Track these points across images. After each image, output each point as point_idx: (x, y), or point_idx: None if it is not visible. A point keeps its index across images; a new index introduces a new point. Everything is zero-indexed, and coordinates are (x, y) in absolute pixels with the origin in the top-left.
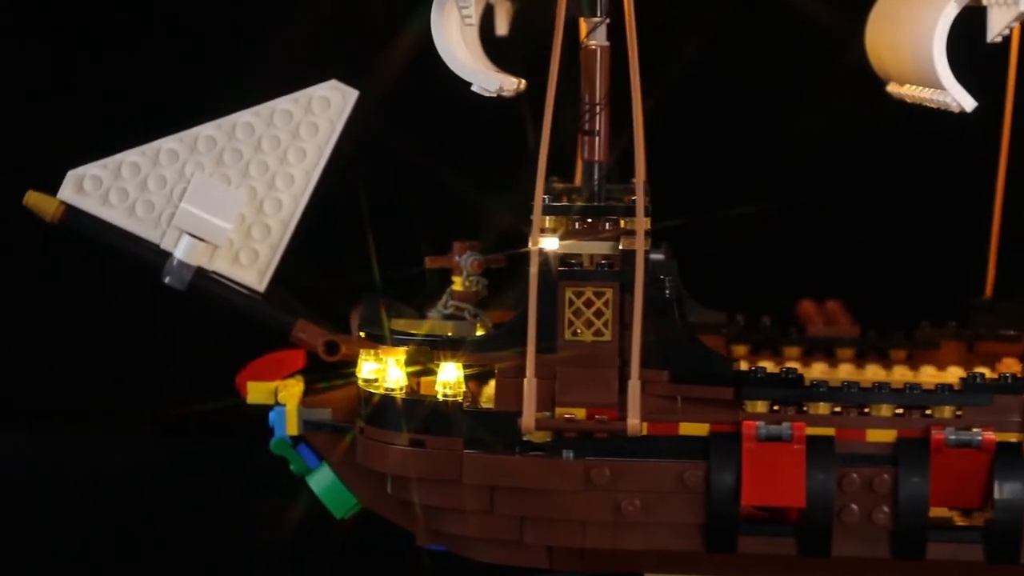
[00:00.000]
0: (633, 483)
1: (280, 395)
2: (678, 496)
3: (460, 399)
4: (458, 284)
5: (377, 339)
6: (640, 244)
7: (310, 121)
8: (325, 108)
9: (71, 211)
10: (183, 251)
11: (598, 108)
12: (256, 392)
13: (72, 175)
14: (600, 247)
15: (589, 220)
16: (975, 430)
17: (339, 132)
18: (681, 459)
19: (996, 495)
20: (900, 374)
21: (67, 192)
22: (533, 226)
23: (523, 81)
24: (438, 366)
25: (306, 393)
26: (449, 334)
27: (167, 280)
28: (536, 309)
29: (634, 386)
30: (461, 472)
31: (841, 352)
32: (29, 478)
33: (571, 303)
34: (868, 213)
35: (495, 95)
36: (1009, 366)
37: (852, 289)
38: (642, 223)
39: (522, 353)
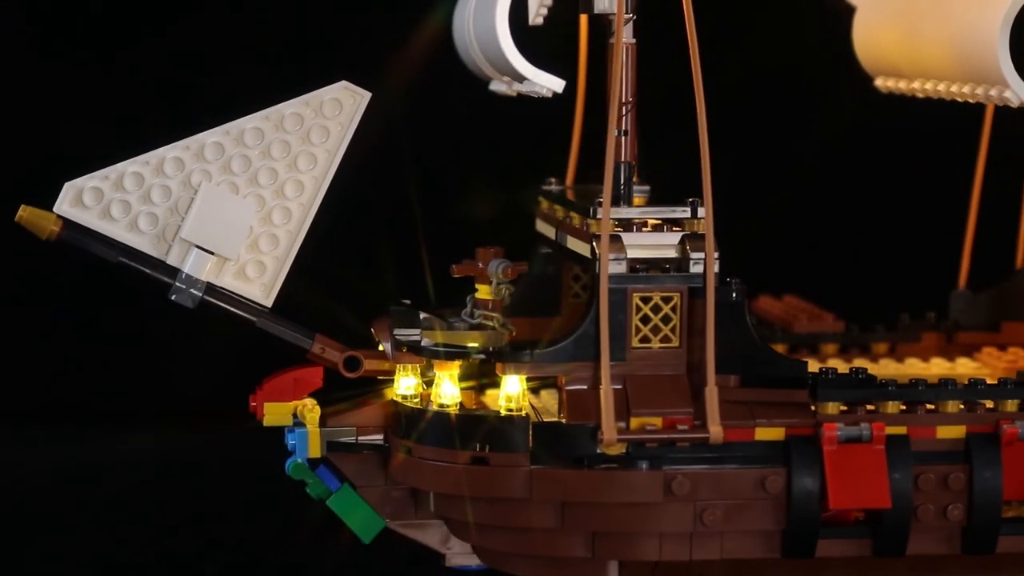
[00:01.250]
0: (713, 492)
1: (300, 416)
2: (759, 503)
3: (524, 413)
4: (484, 292)
5: (430, 353)
6: (710, 246)
7: (321, 125)
8: (336, 111)
9: (69, 226)
10: (192, 266)
11: (628, 107)
12: (274, 414)
13: (70, 187)
14: (668, 251)
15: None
16: None
17: (351, 136)
18: (761, 465)
19: None
20: (885, 366)
21: (65, 206)
22: (602, 232)
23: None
24: (484, 380)
25: (326, 413)
26: (475, 345)
27: (174, 298)
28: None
29: (711, 392)
30: (531, 489)
31: (825, 347)
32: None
33: (638, 309)
34: (840, 207)
35: (548, 96)
36: (988, 355)
37: (827, 282)
38: (710, 224)
39: (590, 364)
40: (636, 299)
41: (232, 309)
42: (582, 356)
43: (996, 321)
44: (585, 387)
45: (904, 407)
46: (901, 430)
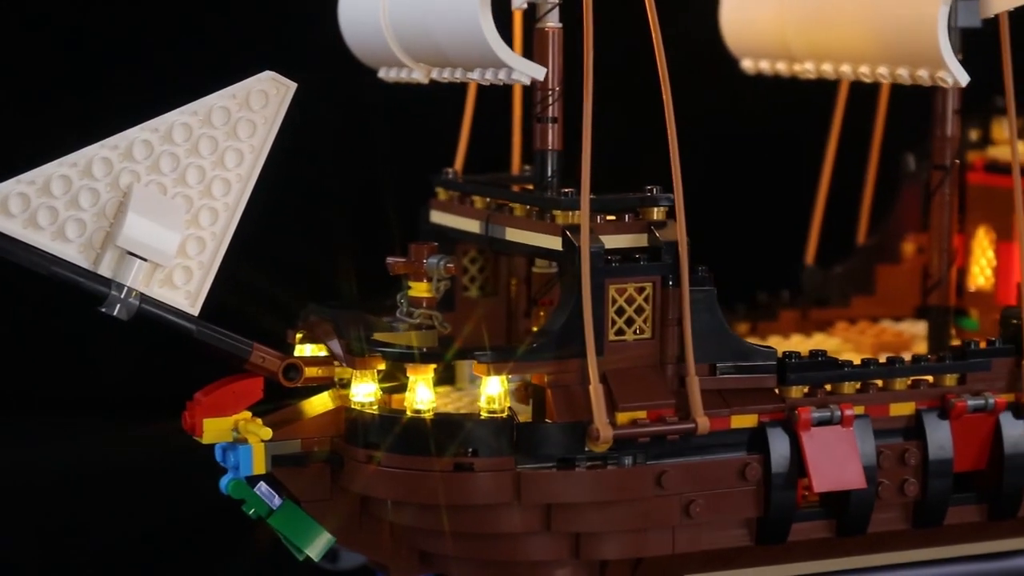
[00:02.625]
0: (698, 483)
1: (243, 431)
2: (739, 491)
3: (507, 415)
4: (420, 289)
5: (401, 357)
6: (682, 234)
7: (248, 119)
8: (263, 104)
9: None
10: (124, 275)
11: (554, 94)
12: (213, 430)
13: None
14: (640, 240)
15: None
16: (987, 394)
17: (276, 131)
18: (739, 453)
19: (1006, 451)
20: None
21: None
22: (582, 224)
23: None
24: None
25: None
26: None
27: (107, 310)
28: (580, 310)
29: (693, 382)
30: (519, 493)
31: None
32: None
33: (614, 301)
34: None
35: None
36: (845, 330)
37: None
38: (681, 212)
39: (575, 360)
40: (612, 291)
41: (170, 318)
42: (566, 353)
43: (846, 296)
44: (568, 385)
45: (858, 387)
46: (860, 410)
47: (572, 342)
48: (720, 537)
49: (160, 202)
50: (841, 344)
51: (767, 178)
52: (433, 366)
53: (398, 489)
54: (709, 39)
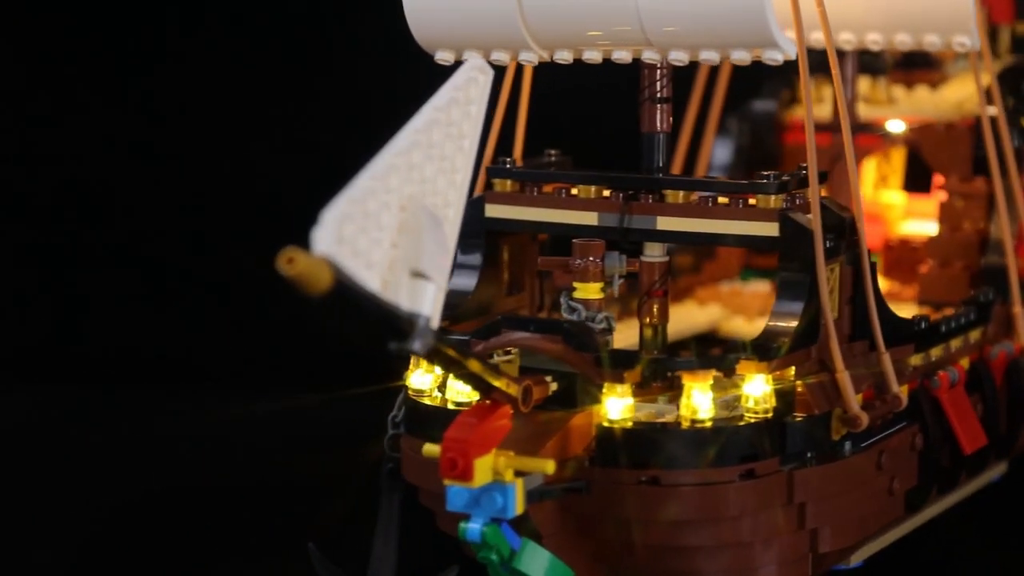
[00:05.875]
0: (894, 460)
1: (500, 469)
2: (910, 462)
3: (771, 415)
4: (590, 291)
5: (680, 366)
6: (859, 209)
7: (466, 111)
8: (477, 93)
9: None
10: (424, 303)
11: (664, 71)
12: (482, 471)
13: (332, 218)
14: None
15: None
16: (1007, 341)
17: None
18: (906, 425)
19: None
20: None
21: (327, 243)
22: (812, 207)
23: None
24: None
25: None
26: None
27: (408, 345)
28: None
29: (886, 359)
30: (790, 494)
31: None
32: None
33: None
34: None
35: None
36: (704, 297)
37: None
38: (858, 193)
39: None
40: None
41: (457, 350)
42: (810, 343)
43: (698, 264)
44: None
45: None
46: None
47: (814, 331)
48: (894, 509)
49: (439, 220)
50: (724, 311)
51: None
52: (713, 372)
53: (685, 507)
54: None
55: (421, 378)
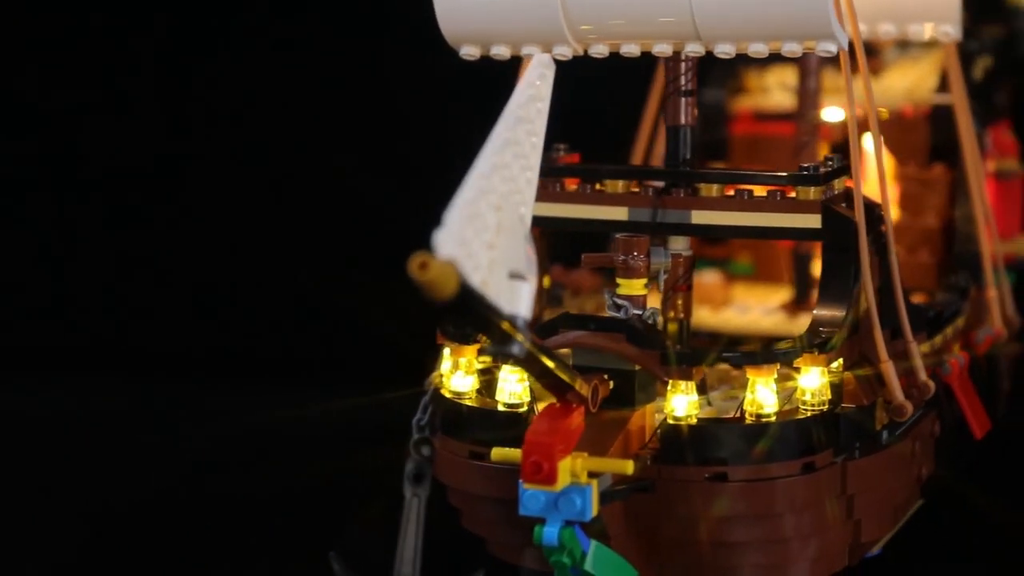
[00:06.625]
0: (923, 448)
1: (577, 470)
2: (930, 449)
3: (829, 408)
4: (634, 287)
5: (745, 359)
6: (886, 203)
7: (540, 108)
8: (546, 89)
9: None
10: (525, 305)
11: (689, 64)
12: (564, 473)
13: (454, 221)
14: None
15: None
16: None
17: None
18: (925, 411)
19: None
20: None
21: (451, 246)
22: (855, 199)
23: None
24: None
25: None
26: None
27: (508, 349)
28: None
29: (914, 347)
30: (844, 485)
31: None
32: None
33: None
34: None
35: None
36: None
37: None
38: (886, 187)
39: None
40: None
41: (546, 358)
42: (855, 334)
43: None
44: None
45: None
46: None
47: (858, 322)
48: (914, 498)
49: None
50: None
51: None
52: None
53: (754, 502)
54: None
55: (462, 380)
